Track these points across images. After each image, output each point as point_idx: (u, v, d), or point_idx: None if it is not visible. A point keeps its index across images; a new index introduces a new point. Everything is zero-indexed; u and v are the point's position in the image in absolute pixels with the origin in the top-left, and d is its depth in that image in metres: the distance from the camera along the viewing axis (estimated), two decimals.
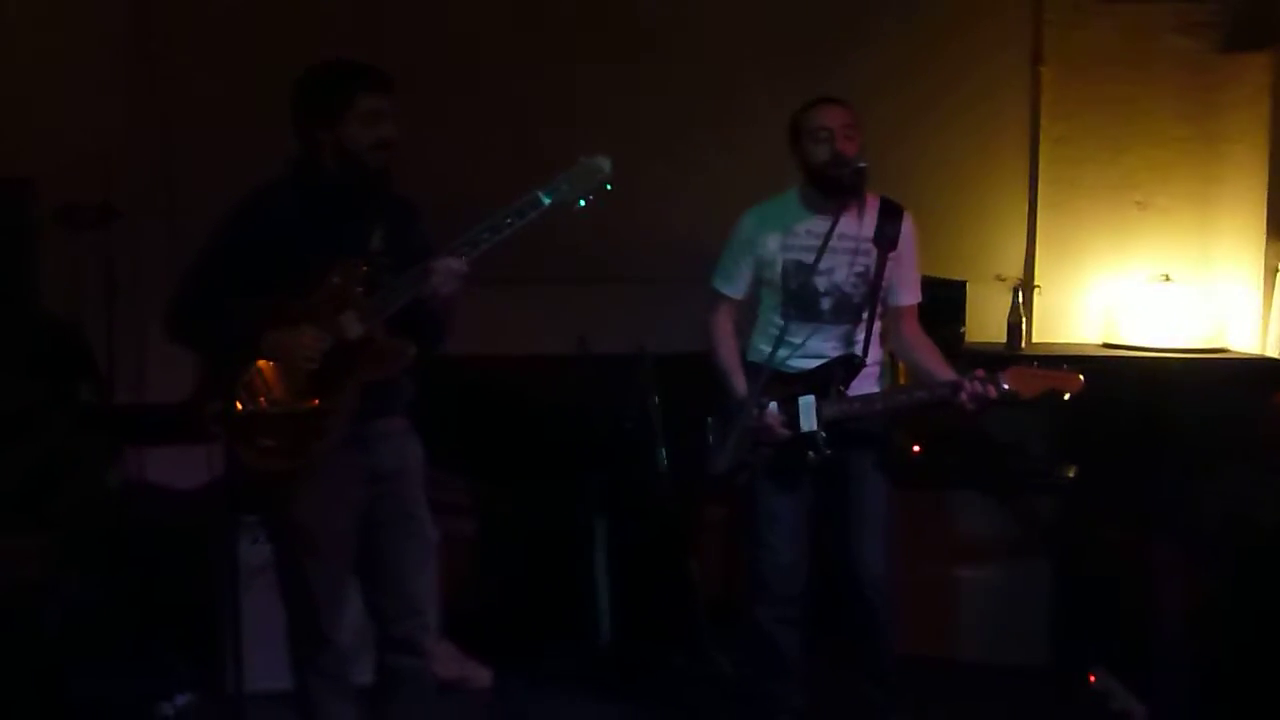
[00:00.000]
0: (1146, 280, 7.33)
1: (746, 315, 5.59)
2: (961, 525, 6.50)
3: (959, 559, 6.49)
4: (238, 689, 5.63)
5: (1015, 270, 7.51)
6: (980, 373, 5.09)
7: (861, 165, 5.18)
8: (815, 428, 5.20)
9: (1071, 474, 6.48)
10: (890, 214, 5.31)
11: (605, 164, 4.51)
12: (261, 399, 4.56)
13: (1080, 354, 7.15)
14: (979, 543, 6.48)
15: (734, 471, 5.25)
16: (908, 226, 5.35)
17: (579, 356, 6.65)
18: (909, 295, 5.46)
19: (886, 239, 5.26)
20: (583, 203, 4.50)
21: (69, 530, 5.82)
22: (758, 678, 5.59)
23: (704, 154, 7.27)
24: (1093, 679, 6.14)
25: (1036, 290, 7.48)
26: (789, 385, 5.27)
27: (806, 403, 5.22)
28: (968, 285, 7.10)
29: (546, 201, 4.47)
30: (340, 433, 4.56)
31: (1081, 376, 5.13)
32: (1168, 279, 7.32)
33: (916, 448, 6.52)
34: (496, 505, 6.88)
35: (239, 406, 4.56)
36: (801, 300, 5.30)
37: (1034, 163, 7.55)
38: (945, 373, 5.28)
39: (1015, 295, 7.24)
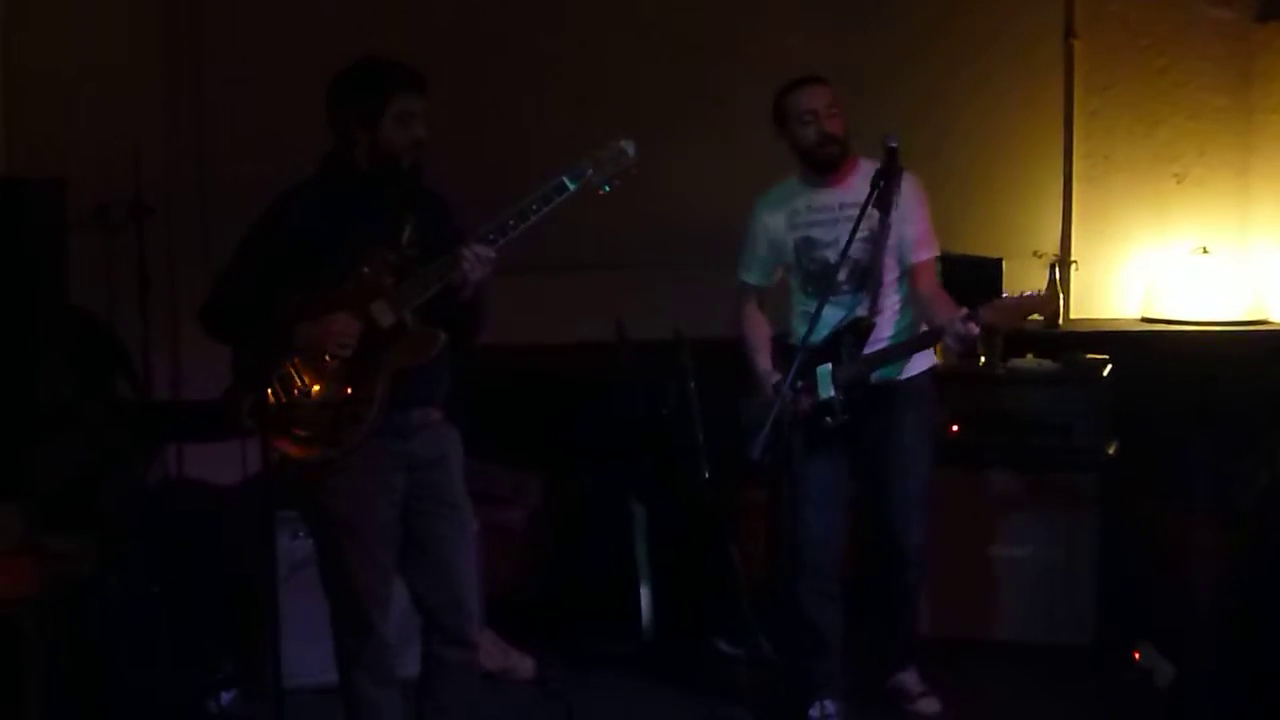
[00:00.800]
0: (1186, 253, 7.27)
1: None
2: (1001, 504, 6.45)
3: (999, 538, 6.44)
4: (277, 684, 5.65)
5: (1051, 246, 7.44)
6: (964, 312, 5.11)
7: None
8: (831, 394, 5.30)
9: (1112, 450, 6.44)
10: (884, 179, 5.27)
11: (629, 147, 4.57)
12: (296, 390, 4.60)
13: (1119, 329, 7.11)
14: (1019, 521, 6.43)
15: (766, 452, 5.27)
16: (908, 185, 5.38)
17: (617, 343, 6.63)
18: (919, 252, 5.49)
19: (886, 202, 5.26)
20: (607, 187, 4.55)
21: (111, 528, 5.83)
22: (798, 656, 5.64)
23: (739, 134, 7.22)
24: (1137, 656, 6.10)
25: (1073, 266, 7.42)
26: (808, 359, 5.30)
27: (823, 371, 5.33)
28: (1004, 262, 7.05)
29: (572, 186, 4.52)
30: (374, 421, 4.58)
31: (1059, 296, 5.42)
32: (1205, 251, 7.26)
33: (954, 427, 6.48)
34: (536, 494, 6.88)
35: (274, 399, 4.60)
36: (818, 275, 5.46)
37: (1068, 137, 7.51)
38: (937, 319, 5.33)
39: (1052, 271, 7.19)
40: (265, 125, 6.87)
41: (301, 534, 5.90)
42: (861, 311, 5.39)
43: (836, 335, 5.35)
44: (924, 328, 5.44)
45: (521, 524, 6.80)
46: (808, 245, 5.45)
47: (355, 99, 4.61)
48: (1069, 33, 7.47)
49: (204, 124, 7.00)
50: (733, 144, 7.20)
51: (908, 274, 5.49)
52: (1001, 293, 6.88)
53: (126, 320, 6.53)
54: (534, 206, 4.50)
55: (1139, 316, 7.34)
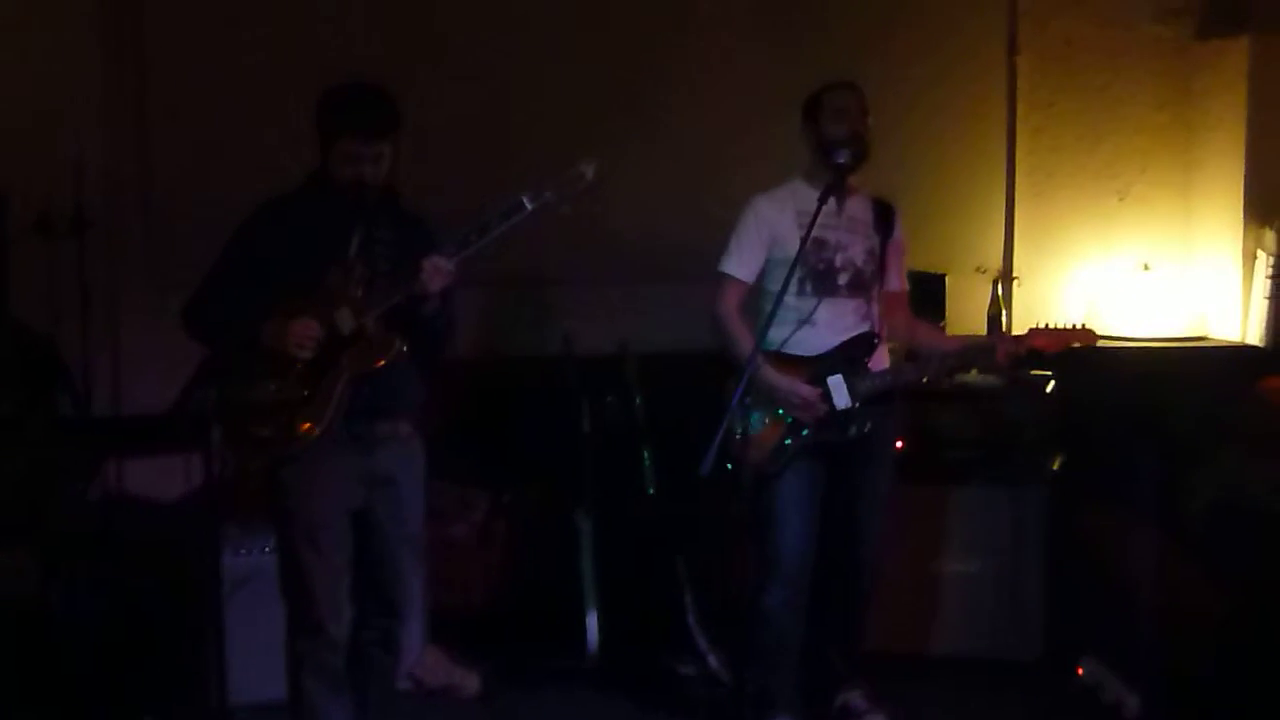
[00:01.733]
0: (1127, 270, 7.31)
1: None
2: (948, 519, 6.46)
3: (946, 553, 6.45)
4: (221, 701, 5.61)
5: (994, 262, 7.47)
6: (1012, 335, 5.65)
7: (840, 161, 5.40)
8: (851, 404, 5.43)
9: (1057, 465, 6.46)
10: (884, 209, 5.67)
11: (589, 169, 4.71)
12: (257, 388, 4.72)
13: None
14: (966, 537, 6.45)
15: (775, 456, 5.44)
16: (898, 220, 5.72)
17: (563, 357, 6.61)
18: (900, 280, 5.79)
19: (884, 228, 5.62)
20: (566, 207, 4.68)
21: (52, 544, 5.77)
22: (759, 669, 5.62)
23: (684, 150, 7.20)
24: (1080, 671, 6.11)
25: (1016, 282, 7.45)
26: (810, 367, 5.47)
27: (836, 381, 5.44)
28: (947, 278, 7.09)
29: (529, 206, 4.66)
30: (330, 423, 4.71)
31: (1095, 331, 5.63)
32: (1147, 268, 7.30)
33: (899, 443, 6.47)
34: (483, 509, 6.84)
35: (236, 396, 4.76)
36: (819, 275, 5.49)
37: (1011, 153, 7.54)
38: (953, 343, 5.84)
39: (995, 287, 7.22)
40: (208, 139, 6.80)
41: (244, 551, 5.88)
42: (865, 319, 5.55)
43: (846, 348, 5.49)
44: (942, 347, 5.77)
45: (468, 539, 6.76)
46: (817, 246, 5.43)
47: (319, 123, 4.77)
48: (1011, 49, 7.49)
49: (146, 136, 6.92)
50: (677, 160, 7.18)
51: (882, 300, 5.65)
52: (944, 307, 7.00)
53: (67, 334, 6.45)
54: (492, 222, 4.65)
55: None
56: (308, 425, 4.69)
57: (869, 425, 5.45)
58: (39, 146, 6.51)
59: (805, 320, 5.46)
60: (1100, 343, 7.07)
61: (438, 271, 4.63)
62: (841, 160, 5.38)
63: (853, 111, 5.51)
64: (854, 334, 5.52)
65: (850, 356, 5.49)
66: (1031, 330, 5.54)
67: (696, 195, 6.83)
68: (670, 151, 7.15)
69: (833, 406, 5.42)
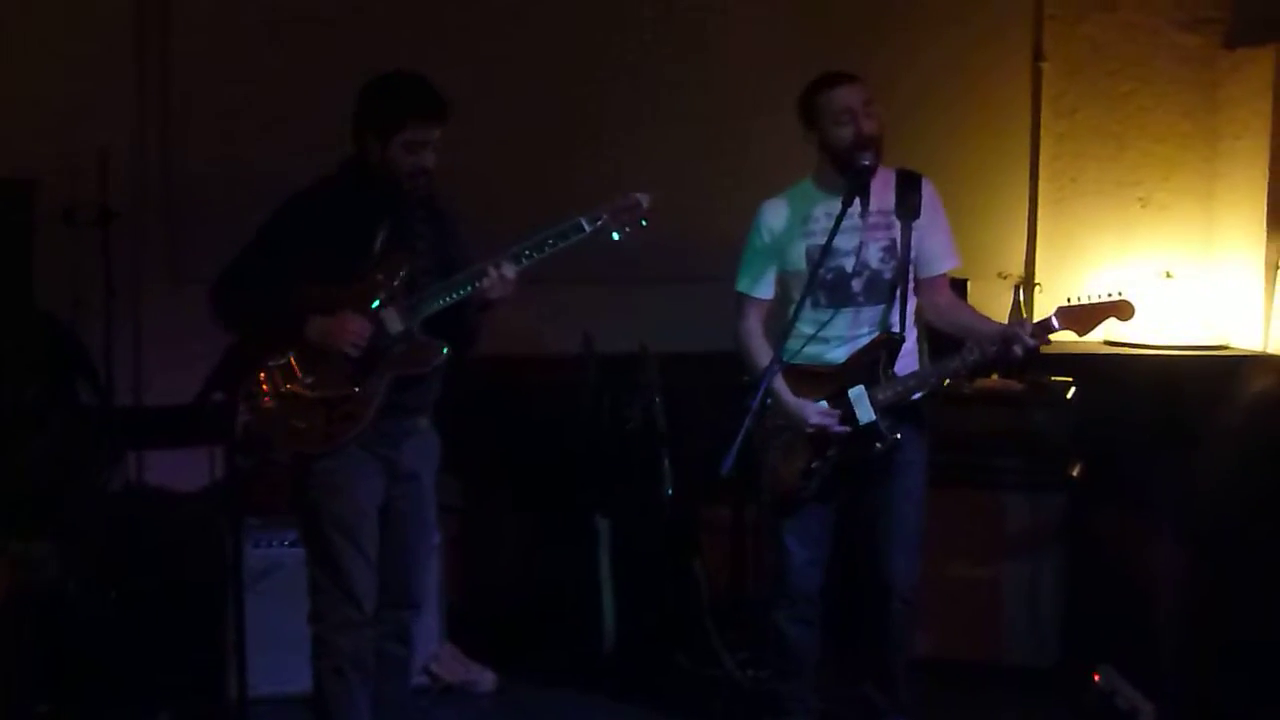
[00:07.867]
0: (1149, 277, 7.29)
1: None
2: (966, 524, 6.43)
3: (961, 559, 6.42)
4: (241, 694, 5.62)
5: (1016, 268, 7.47)
6: (1026, 323, 5.01)
7: (865, 163, 4.98)
8: (874, 417, 5.05)
9: (1076, 472, 6.44)
10: (909, 183, 5.15)
11: (645, 200, 4.82)
12: (298, 382, 4.76)
13: (1082, 352, 7.11)
14: (983, 542, 6.43)
15: (804, 481, 5.15)
16: (929, 192, 5.18)
17: (583, 356, 6.62)
18: (940, 263, 5.28)
19: (908, 209, 5.10)
20: (616, 235, 4.81)
21: (72, 534, 5.79)
22: (774, 678, 5.52)
23: (707, 151, 7.21)
24: (1096, 678, 6.09)
25: (1038, 288, 7.44)
26: (831, 380, 5.12)
27: (858, 394, 5.06)
28: (969, 283, 7.06)
29: (587, 228, 4.77)
30: (366, 420, 4.76)
31: (1131, 302, 5.10)
32: (1170, 276, 7.29)
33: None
34: (500, 506, 6.86)
35: (271, 388, 4.78)
36: (832, 285, 5.10)
37: (1035, 159, 7.54)
38: (991, 327, 5.15)
39: (1016, 293, 7.22)
40: (233, 132, 6.82)
41: (264, 544, 5.89)
42: (886, 327, 5.12)
43: (865, 354, 5.10)
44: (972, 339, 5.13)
45: (484, 537, 6.78)
46: (826, 254, 5.00)
47: (374, 114, 4.77)
48: (1037, 55, 7.50)
49: (170, 129, 6.93)
50: (700, 160, 7.19)
51: (923, 287, 5.23)
52: None
53: (89, 324, 6.47)
54: (550, 241, 4.76)
55: (1102, 339, 7.33)
56: (347, 423, 4.75)
57: (898, 437, 5.06)
58: (65, 138, 6.54)
59: (822, 334, 5.09)
60: (1121, 350, 7.15)
61: (503, 281, 4.72)
62: (867, 162, 4.96)
63: (855, 109, 4.99)
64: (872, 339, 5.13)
65: (870, 363, 5.08)
66: (1059, 311, 5.05)
67: (718, 196, 6.84)
68: (693, 154, 7.16)
69: (855, 422, 5.06)
